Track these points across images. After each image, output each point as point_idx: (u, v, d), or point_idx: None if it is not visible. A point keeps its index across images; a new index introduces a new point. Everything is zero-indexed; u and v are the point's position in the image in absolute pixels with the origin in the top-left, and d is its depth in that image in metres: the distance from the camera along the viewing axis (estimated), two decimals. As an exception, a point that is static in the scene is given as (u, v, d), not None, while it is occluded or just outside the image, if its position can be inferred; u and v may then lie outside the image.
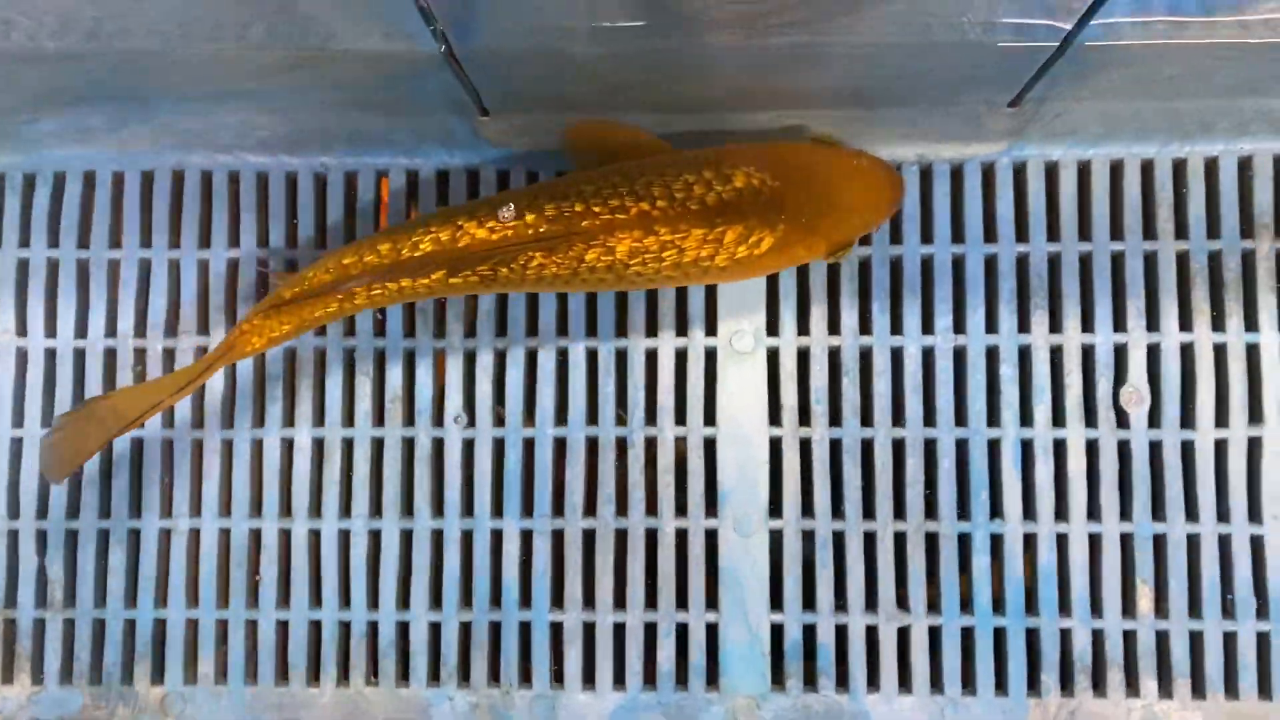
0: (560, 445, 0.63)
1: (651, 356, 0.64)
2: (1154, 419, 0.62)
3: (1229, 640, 0.60)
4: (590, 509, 0.63)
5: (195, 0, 0.48)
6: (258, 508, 0.64)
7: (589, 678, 0.62)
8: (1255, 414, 0.61)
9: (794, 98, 0.58)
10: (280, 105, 0.62)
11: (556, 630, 0.62)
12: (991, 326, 0.63)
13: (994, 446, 0.62)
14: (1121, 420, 0.62)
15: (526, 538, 0.63)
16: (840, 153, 0.59)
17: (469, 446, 0.64)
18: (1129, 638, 0.61)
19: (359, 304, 0.57)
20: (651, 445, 0.63)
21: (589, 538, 0.63)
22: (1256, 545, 0.61)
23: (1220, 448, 0.61)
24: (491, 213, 0.55)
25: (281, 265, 0.64)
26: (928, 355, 0.63)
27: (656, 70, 0.53)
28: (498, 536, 0.63)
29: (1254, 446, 0.61)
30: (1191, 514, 0.61)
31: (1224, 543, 0.61)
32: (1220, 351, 0.62)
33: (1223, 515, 0.61)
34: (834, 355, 0.63)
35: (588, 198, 0.55)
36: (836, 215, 0.58)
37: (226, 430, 0.64)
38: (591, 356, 0.64)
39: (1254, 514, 0.61)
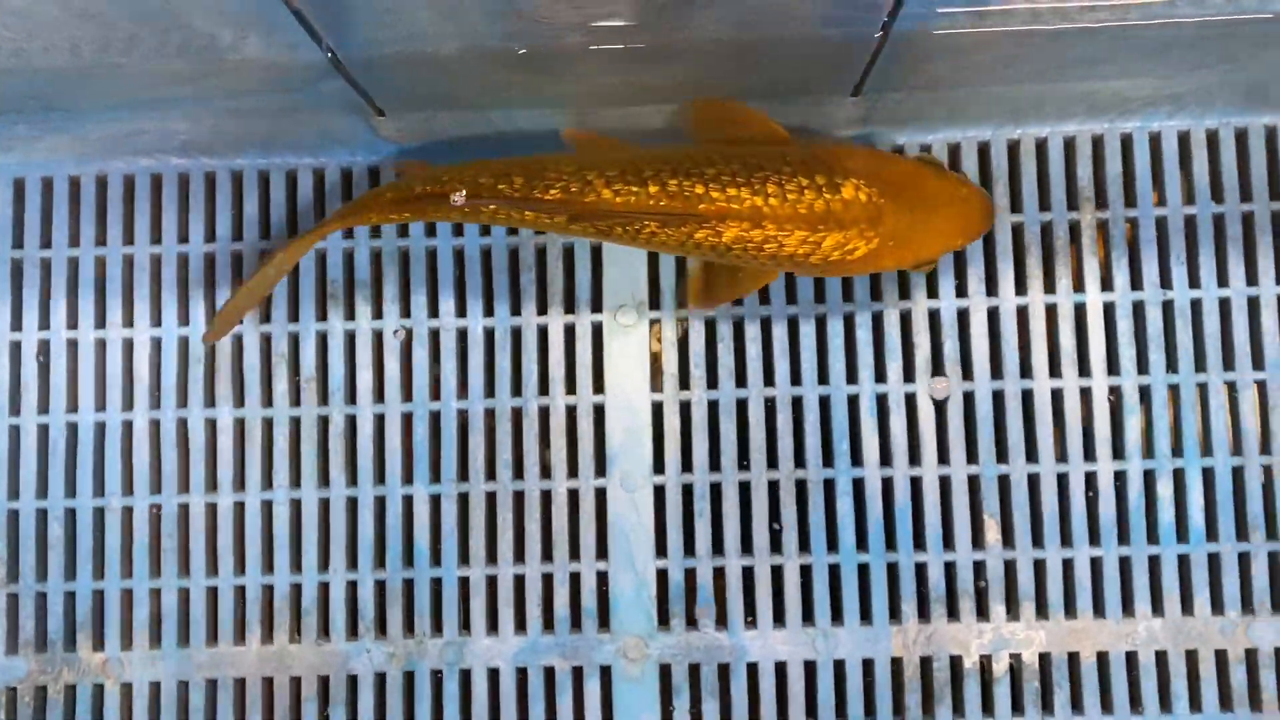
0: (463, 417, 0.69)
1: (543, 333, 0.70)
2: (995, 372, 0.69)
3: (1067, 566, 0.67)
4: (491, 474, 0.69)
5: (100, 19, 0.53)
6: (185, 484, 0.69)
7: (493, 625, 0.68)
8: (1084, 367, 0.68)
9: (654, 93, 0.64)
10: (195, 111, 0.68)
11: (464, 584, 0.68)
12: (848, 295, 0.70)
13: (853, 401, 0.69)
14: (967, 373, 0.69)
15: (435, 502, 0.69)
16: (944, 175, 0.64)
17: (380, 421, 0.69)
18: (978, 567, 0.68)
19: (481, 218, 0.63)
20: (545, 414, 0.69)
21: (491, 500, 0.69)
22: (1090, 480, 0.68)
23: (1056, 395, 0.68)
24: (620, 176, 0.60)
25: (201, 262, 0.70)
26: (793, 322, 0.70)
27: (521, 69, 0.60)
28: (409, 502, 0.69)
29: (1085, 395, 0.68)
30: (1031, 456, 0.68)
31: (1061, 480, 0.68)
32: (1051, 311, 0.69)
33: (1060, 456, 0.68)
34: (710, 325, 0.70)
35: (708, 181, 0.60)
36: (929, 235, 0.63)
37: (154, 411, 0.69)
38: (489, 335, 0.70)
39: (1089, 454, 0.68)
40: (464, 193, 0.61)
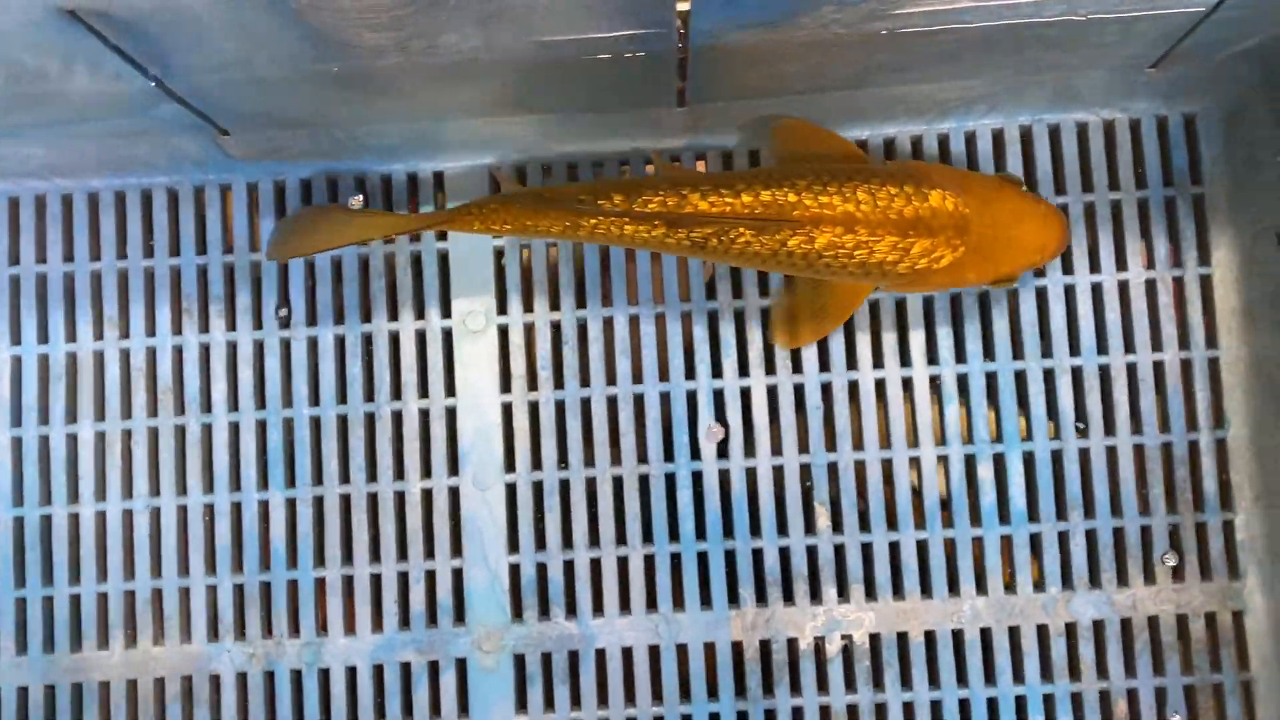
0: (316, 423, 0.72)
1: (394, 339, 0.73)
2: (824, 364, 0.72)
3: (894, 549, 0.71)
4: (345, 478, 0.72)
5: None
6: (47, 496, 0.71)
7: (350, 625, 0.71)
8: (904, 358, 0.71)
9: (471, 108, 0.67)
10: (47, 136, 0.70)
11: (320, 585, 0.71)
12: (684, 295, 0.73)
13: (691, 397, 0.72)
14: (797, 366, 0.72)
15: (291, 506, 0.71)
16: (1023, 194, 0.67)
17: (234, 428, 0.72)
18: (811, 552, 0.71)
19: (581, 235, 0.65)
20: (398, 418, 0.72)
21: (346, 502, 0.71)
22: (915, 464, 0.71)
23: (879, 386, 0.71)
24: (714, 189, 0.63)
25: (60, 283, 0.72)
26: (634, 321, 0.72)
27: (349, 88, 0.62)
28: (264, 507, 0.71)
29: (906, 384, 0.71)
30: (858, 444, 0.71)
31: (886, 465, 0.71)
32: (874, 307, 0.72)
33: (885, 443, 0.71)
34: (555, 328, 0.73)
35: (800, 190, 0.63)
36: (1012, 250, 0.65)
37: (15, 429, 0.71)
38: (339, 342, 0.72)
39: (912, 441, 0.71)
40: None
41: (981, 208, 0.64)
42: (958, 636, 0.70)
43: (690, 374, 0.72)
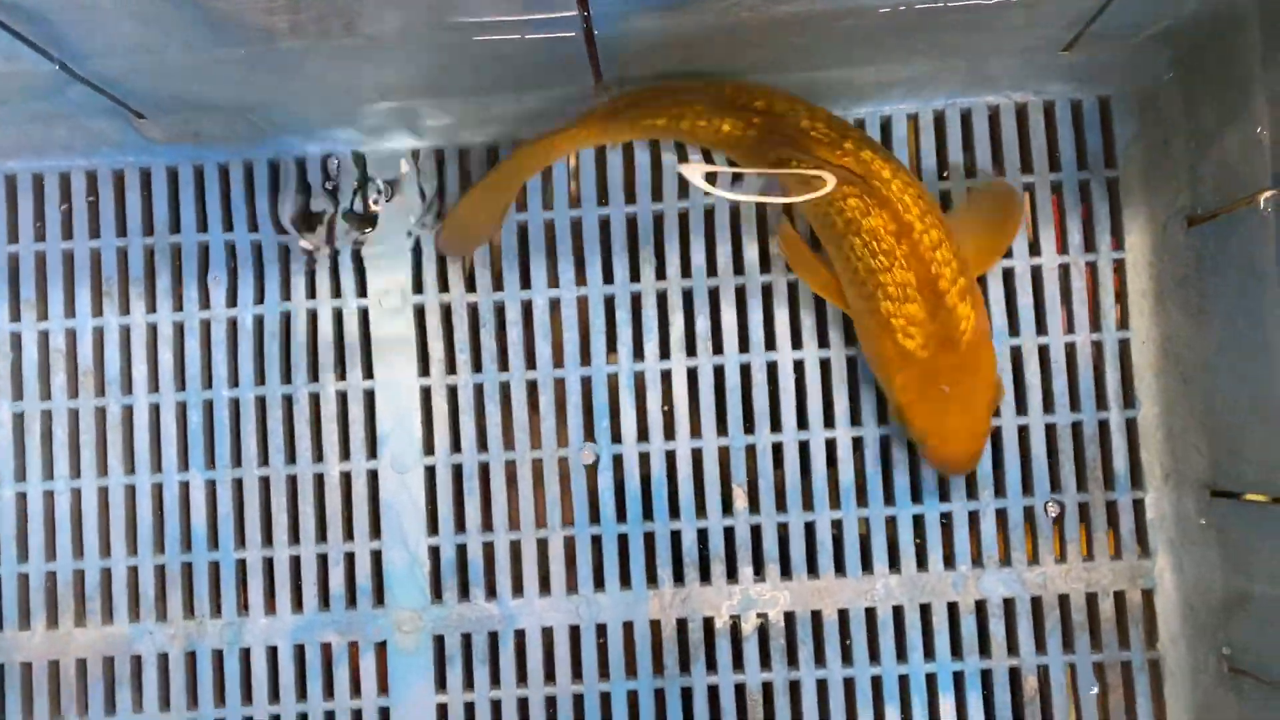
0: (235, 405, 0.72)
1: (312, 317, 0.73)
2: (744, 346, 0.72)
3: (809, 529, 0.71)
4: (265, 460, 0.72)
5: None
6: (-33, 478, 0.72)
7: (271, 606, 0.71)
8: (823, 339, 0.72)
9: (387, 90, 0.68)
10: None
11: (241, 566, 0.71)
12: (609, 278, 0.73)
13: (613, 380, 0.72)
14: (718, 348, 0.72)
15: (211, 487, 0.72)
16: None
17: (155, 410, 0.72)
18: (728, 533, 0.72)
19: (683, 127, 0.68)
20: (316, 400, 0.72)
21: (265, 484, 0.72)
22: (830, 446, 0.72)
23: (799, 367, 0.72)
24: (828, 127, 0.65)
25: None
26: (554, 305, 0.73)
27: (256, 70, 0.62)
28: (185, 488, 0.72)
29: (824, 366, 0.72)
30: (776, 426, 0.72)
31: (803, 447, 0.72)
32: (793, 287, 0.72)
33: (801, 424, 0.72)
34: (473, 311, 0.73)
35: (891, 175, 0.64)
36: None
37: (-66, 411, 0.72)
38: (258, 322, 0.73)
39: (828, 422, 0.72)
40: None
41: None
42: (870, 615, 0.71)
43: (612, 356, 0.73)
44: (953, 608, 0.71)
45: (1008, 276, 0.72)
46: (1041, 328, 0.71)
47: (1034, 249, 0.72)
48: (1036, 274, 0.72)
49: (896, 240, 0.63)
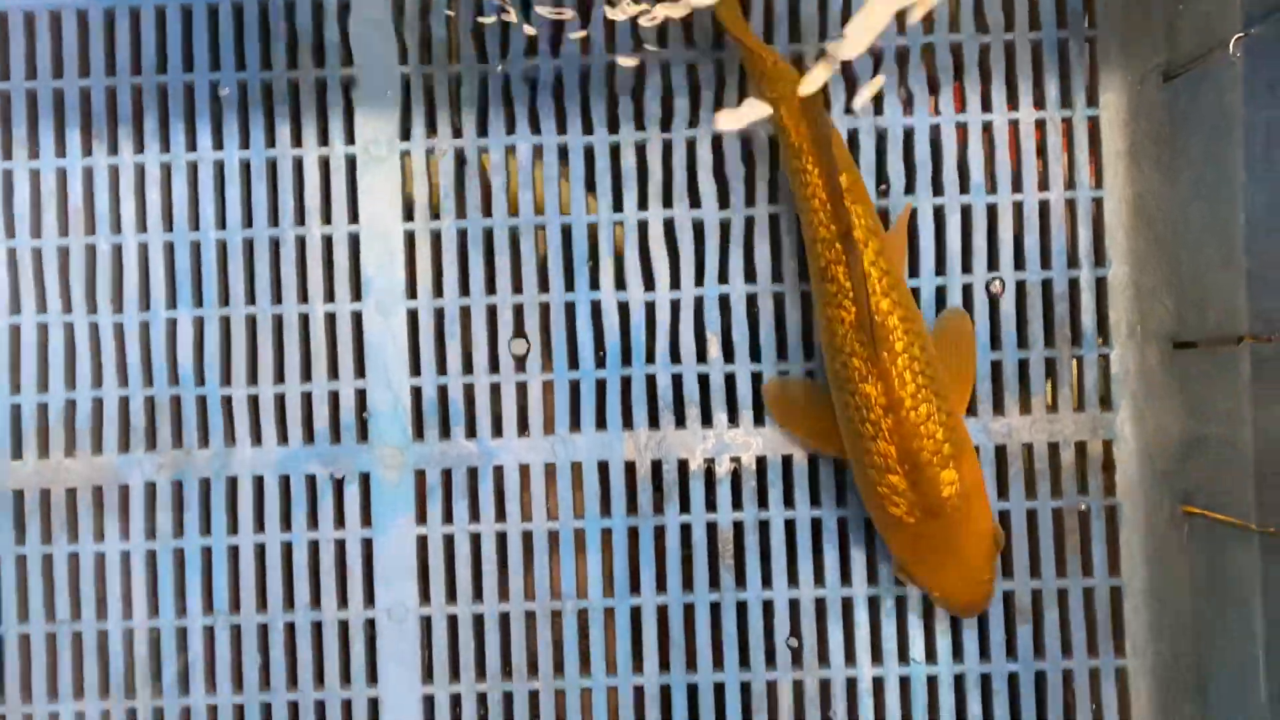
0: (222, 246, 0.74)
1: (298, 165, 0.74)
2: (723, 202, 0.73)
3: (783, 376, 0.73)
4: (251, 299, 0.74)
5: None
6: (-40, 311, 0.73)
7: (257, 438, 0.74)
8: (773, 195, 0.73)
9: None
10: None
11: (227, 402, 0.73)
12: (588, 129, 0.74)
13: (593, 230, 0.74)
14: (695, 201, 0.73)
15: (199, 325, 0.73)
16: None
17: (144, 249, 0.73)
18: (703, 380, 0.73)
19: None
20: (302, 243, 0.74)
21: (250, 323, 0.73)
22: (805, 299, 0.73)
23: (773, 220, 0.73)
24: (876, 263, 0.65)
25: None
26: (538, 151, 0.74)
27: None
28: (173, 325, 0.73)
29: (798, 223, 0.73)
30: (750, 277, 0.73)
31: (778, 299, 0.73)
32: (745, 141, 0.73)
33: (776, 277, 0.73)
34: (459, 156, 0.74)
35: (900, 333, 0.64)
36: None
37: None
38: (245, 167, 0.74)
39: (802, 276, 0.73)
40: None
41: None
42: (839, 461, 0.73)
43: (592, 207, 0.74)
44: (919, 455, 0.73)
45: (986, 129, 0.73)
46: (1017, 185, 0.73)
47: (1012, 104, 0.73)
48: (1014, 130, 0.73)
49: (884, 413, 0.64)
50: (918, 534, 0.65)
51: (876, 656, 0.72)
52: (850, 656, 0.72)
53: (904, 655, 0.72)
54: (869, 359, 0.64)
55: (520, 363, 0.73)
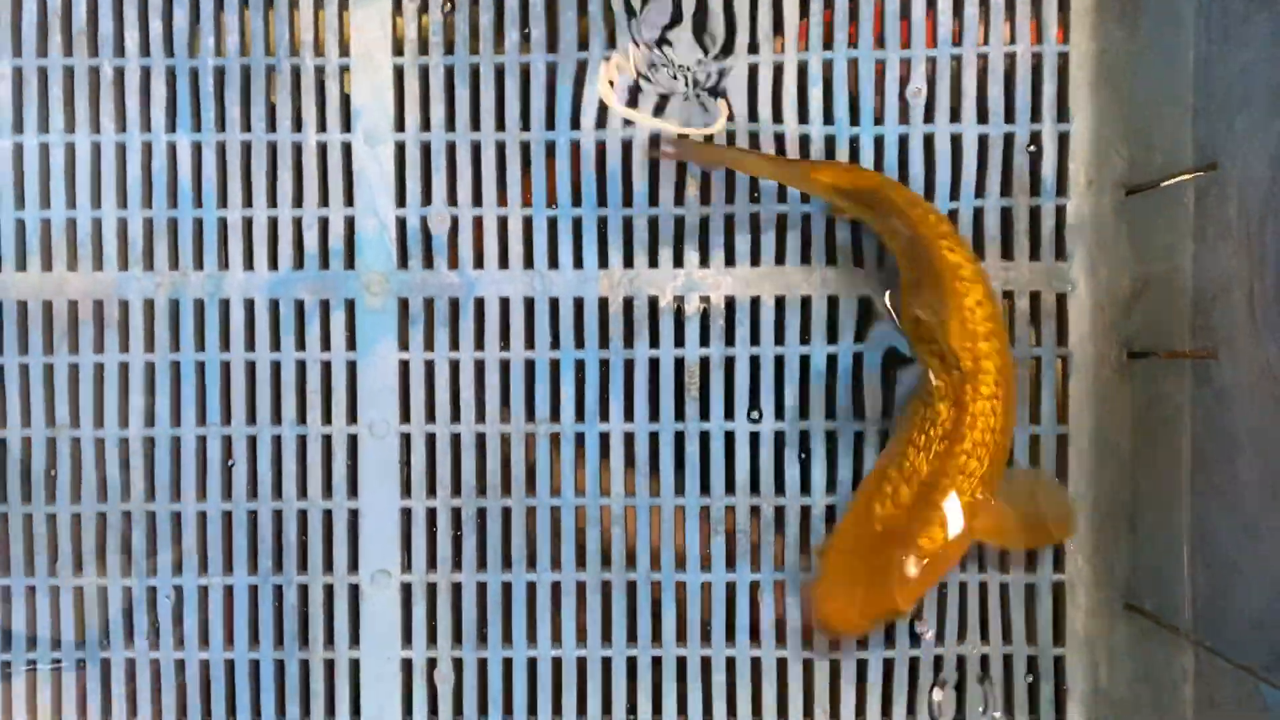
0: (220, 73, 0.76)
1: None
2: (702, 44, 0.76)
3: (754, 219, 0.76)
4: (246, 126, 0.77)
5: None
6: (-32, 128, 0.76)
7: (249, 262, 0.77)
8: (778, 25, 0.76)
9: None
10: None
11: (222, 224, 0.77)
12: (578, -27, 0.76)
13: (581, 67, 0.76)
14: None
15: (196, 149, 0.76)
16: None
17: (145, 73, 0.76)
18: (678, 222, 0.77)
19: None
20: (296, 73, 0.77)
21: (245, 148, 0.77)
22: (779, 140, 0.76)
23: (753, 70, 0.76)
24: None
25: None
26: (525, -3, 0.76)
27: None
28: (172, 148, 0.76)
29: (778, 70, 0.76)
30: (730, 118, 0.76)
31: (753, 138, 0.76)
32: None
33: (752, 116, 0.76)
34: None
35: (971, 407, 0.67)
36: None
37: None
38: (243, 1, 0.77)
39: (776, 118, 0.76)
40: None
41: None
42: (806, 302, 0.76)
43: (583, 45, 0.76)
44: (866, 301, 0.76)
45: (957, -17, 0.75)
46: (985, 38, 0.75)
47: (985, -40, 0.75)
48: (985, -14, 0.75)
49: (940, 440, 0.67)
50: (871, 542, 0.68)
51: (831, 487, 0.76)
52: (806, 487, 0.76)
53: (856, 482, 0.76)
54: (957, 386, 0.67)
55: (503, 196, 0.77)
